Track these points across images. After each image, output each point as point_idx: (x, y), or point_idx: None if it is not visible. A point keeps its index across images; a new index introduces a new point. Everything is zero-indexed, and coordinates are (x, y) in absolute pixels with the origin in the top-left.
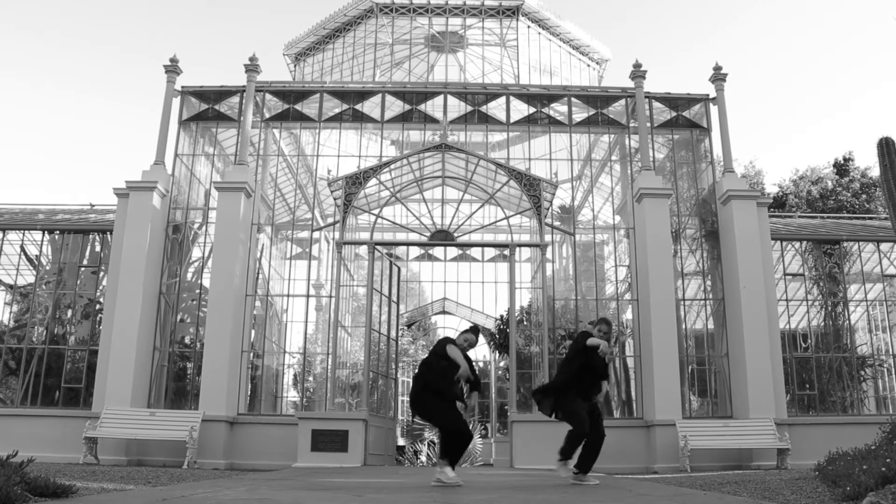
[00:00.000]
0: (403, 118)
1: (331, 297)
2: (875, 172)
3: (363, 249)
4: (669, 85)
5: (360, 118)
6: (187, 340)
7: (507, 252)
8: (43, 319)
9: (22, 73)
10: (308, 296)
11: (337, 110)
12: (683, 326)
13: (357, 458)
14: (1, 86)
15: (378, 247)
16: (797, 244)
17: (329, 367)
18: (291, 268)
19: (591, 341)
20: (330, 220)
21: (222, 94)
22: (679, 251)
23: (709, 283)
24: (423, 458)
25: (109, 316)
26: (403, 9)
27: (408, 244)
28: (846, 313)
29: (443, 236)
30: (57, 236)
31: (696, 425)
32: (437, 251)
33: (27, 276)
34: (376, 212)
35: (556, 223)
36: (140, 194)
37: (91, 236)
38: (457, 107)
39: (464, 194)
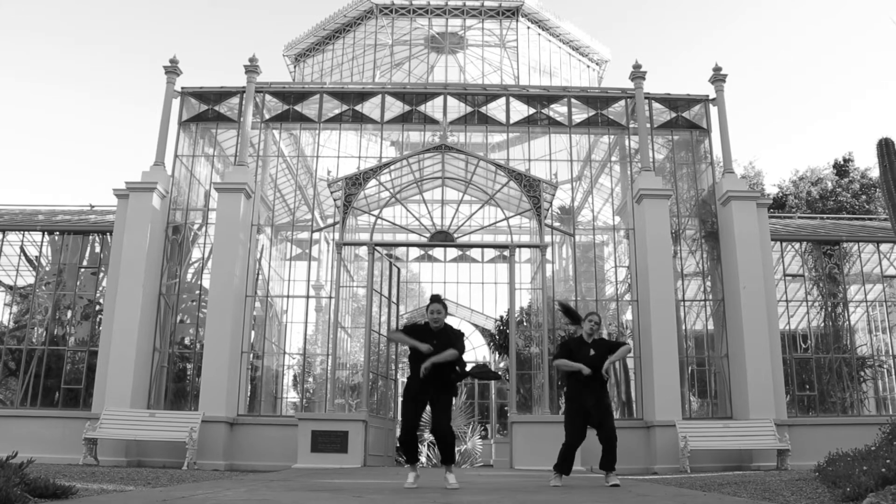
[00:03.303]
0: (403, 119)
1: (330, 297)
2: (875, 173)
3: (363, 250)
4: (669, 85)
5: (360, 119)
6: (187, 341)
7: (506, 253)
8: (43, 320)
9: (22, 73)
10: (308, 297)
11: (337, 111)
12: (683, 327)
13: (357, 458)
14: (1, 86)
15: (378, 248)
16: (797, 245)
17: (329, 368)
18: (291, 269)
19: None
20: (330, 220)
21: (222, 94)
22: (679, 252)
23: (709, 283)
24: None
25: (109, 317)
26: (403, 10)
27: (408, 245)
28: (846, 314)
29: (442, 237)
30: (57, 237)
31: (696, 426)
32: (437, 252)
33: (27, 277)
34: (376, 213)
35: (556, 224)
36: (140, 195)
37: (91, 237)
38: (456, 108)
39: (463, 195)
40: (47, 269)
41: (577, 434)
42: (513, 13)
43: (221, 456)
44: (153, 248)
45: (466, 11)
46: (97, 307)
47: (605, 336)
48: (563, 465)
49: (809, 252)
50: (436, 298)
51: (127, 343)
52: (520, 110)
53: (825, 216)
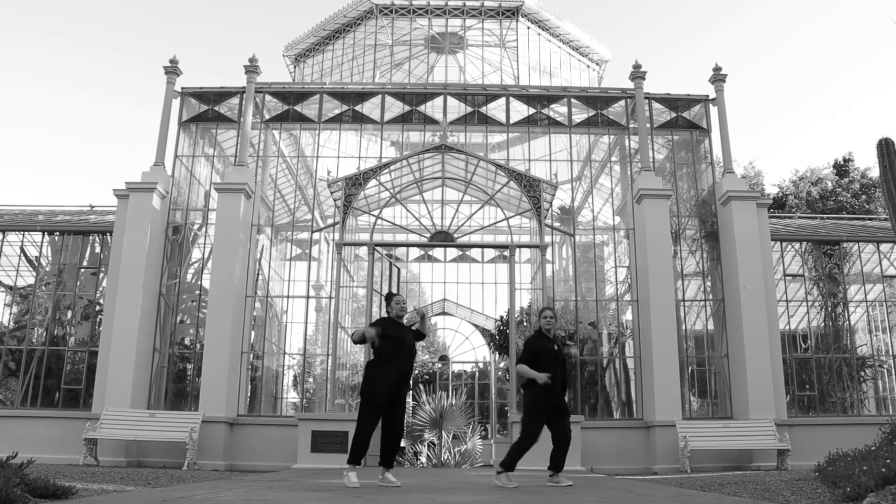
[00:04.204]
0: (403, 119)
1: (330, 298)
2: (875, 173)
3: (363, 250)
4: (669, 85)
5: (360, 119)
6: (187, 341)
7: (506, 253)
8: (43, 321)
9: (22, 73)
10: (308, 297)
11: (337, 111)
12: (683, 327)
13: None
14: (1, 86)
15: (378, 248)
16: (797, 245)
17: (329, 368)
18: (291, 269)
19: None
20: (330, 221)
21: (222, 95)
22: (679, 252)
23: (709, 283)
24: (424, 460)
25: (109, 317)
26: (403, 10)
27: (408, 245)
28: (846, 314)
29: (443, 237)
30: (57, 237)
31: (696, 426)
32: (437, 252)
33: (27, 278)
34: (376, 213)
35: (556, 224)
36: (140, 195)
37: (91, 237)
38: (456, 108)
39: (463, 195)
40: (47, 269)
41: (538, 435)
42: (513, 13)
43: (221, 456)
44: (153, 248)
45: (466, 11)
46: (97, 307)
47: (562, 333)
48: (513, 464)
49: (809, 252)
50: (394, 294)
51: (127, 343)
52: (520, 110)
53: (825, 216)
